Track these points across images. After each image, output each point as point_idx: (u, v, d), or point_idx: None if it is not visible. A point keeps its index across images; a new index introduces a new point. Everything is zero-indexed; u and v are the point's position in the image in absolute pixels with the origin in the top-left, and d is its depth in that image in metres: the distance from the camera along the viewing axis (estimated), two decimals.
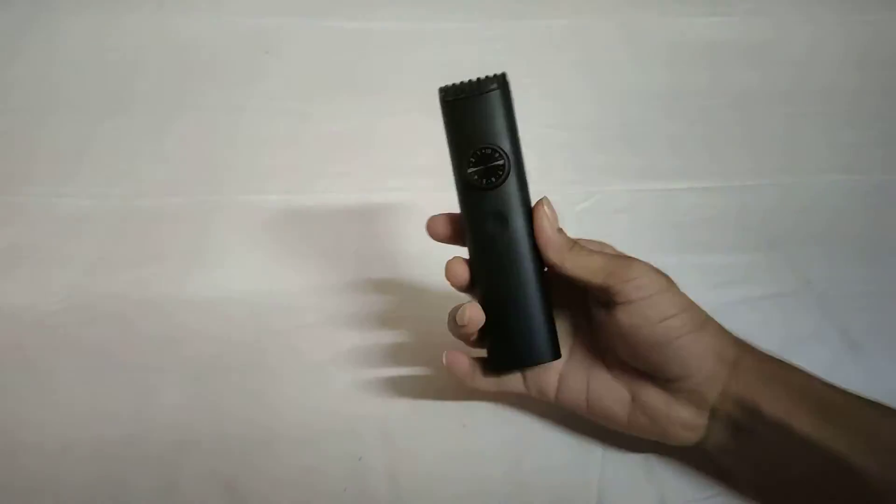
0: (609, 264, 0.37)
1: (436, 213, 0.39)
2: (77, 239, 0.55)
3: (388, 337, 0.47)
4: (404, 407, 0.43)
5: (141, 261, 0.53)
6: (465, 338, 0.39)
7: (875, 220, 0.60)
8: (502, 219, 0.37)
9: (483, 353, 0.39)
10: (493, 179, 0.37)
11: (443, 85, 0.38)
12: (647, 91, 0.75)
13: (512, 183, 0.37)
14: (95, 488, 0.39)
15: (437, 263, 0.41)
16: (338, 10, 0.86)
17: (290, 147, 0.66)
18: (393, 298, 0.50)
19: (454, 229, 0.39)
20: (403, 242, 0.55)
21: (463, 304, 0.38)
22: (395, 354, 0.46)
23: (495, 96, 0.38)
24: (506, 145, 0.37)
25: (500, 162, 0.37)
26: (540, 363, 0.39)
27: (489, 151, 0.37)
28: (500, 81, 0.38)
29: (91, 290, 0.51)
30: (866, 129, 0.70)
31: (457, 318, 0.37)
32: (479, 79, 0.37)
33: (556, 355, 0.38)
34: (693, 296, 0.52)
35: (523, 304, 0.38)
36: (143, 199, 0.59)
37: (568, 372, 0.39)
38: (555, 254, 0.37)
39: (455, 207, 0.39)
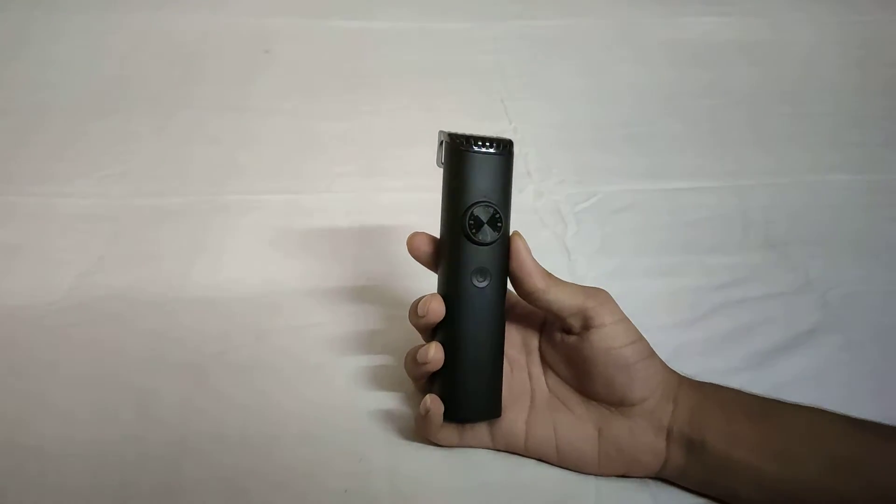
0: (584, 290, 0.39)
1: (418, 231, 0.40)
2: (77, 239, 0.55)
3: (389, 337, 0.47)
4: (406, 408, 0.43)
5: (141, 260, 0.53)
6: (420, 377, 0.40)
7: (876, 219, 0.60)
8: (483, 274, 0.38)
9: None
10: (489, 237, 0.38)
11: (447, 130, 0.39)
12: (647, 91, 0.76)
13: (502, 243, 0.38)
14: (95, 488, 0.39)
15: None
16: (338, 10, 0.86)
17: (290, 147, 0.66)
18: (394, 298, 0.50)
19: (434, 251, 0.40)
20: (403, 242, 0.55)
21: (425, 344, 0.39)
22: (396, 354, 0.46)
23: (505, 160, 0.38)
24: (505, 207, 0.38)
25: (499, 223, 0.38)
26: (489, 419, 0.40)
27: (491, 209, 0.38)
28: (510, 148, 0.39)
29: (91, 289, 0.50)
30: (867, 128, 0.70)
31: (418, 356, 0.39)
32: (491, 138, 0.38)
33: (499, 413, 0.40)
34: (694, 296, 0.52)
35: (486, 359, 0.39)
36: (143, 199, 0.59)
37: (534, 419, 0.40)
38: (540, 281, 0.38)
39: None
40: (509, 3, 0.90)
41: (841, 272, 0.54)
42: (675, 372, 0.40)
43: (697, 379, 0.40)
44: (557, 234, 0.57)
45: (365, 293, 0.51)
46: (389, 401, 0.44)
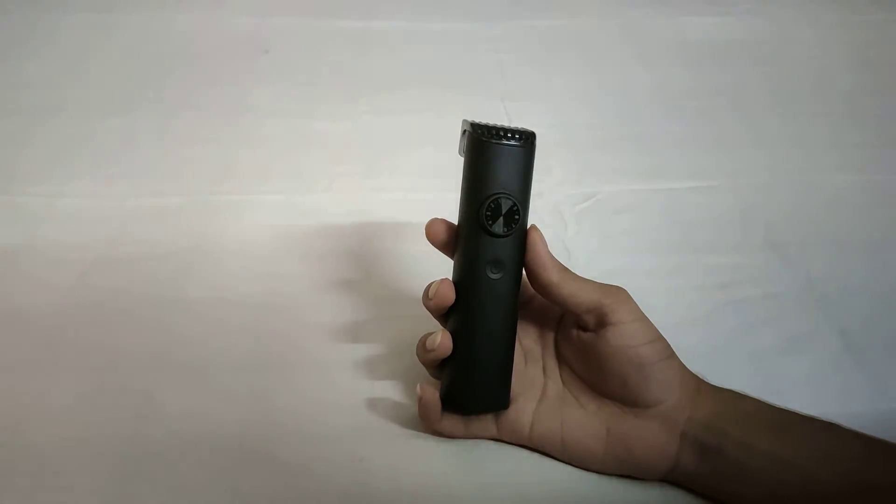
0: (601, 286, 0.39)
1: (437, 217, 0.40)
2: (77, 239, 0.55)
3: (389, 336, 0.47)
4: (406, 407, 0.43)
5: (141, 260, 0.53)
6: (429, 363, 0.40)
7: (876, 219, 0.59)
8: (499, 265, 0.38)
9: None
10: (506, 229, 0.38)
11: (470, 119, 0.39)
12: (647, 90, 0.76)
13: (518, 236, 0.38)
14: (96, 488, 0.39)
15: (437, 262, 0.41)
16: (338, 10, 0.86)
17: (290, 147, 0.66)
18: (394, 298, 0.50)
19: (450, 238, 0.40)
20: (403, 242, 0.55)
21: (436, 331, 0.39)
22: (397, 354, 0.46)
23: (527, 152, 0.38)
24: (523, 200, 0.38)
25: (517, 216, 0.38)
26: (496, 411, 0.40)
27: (509, 202, 0.37)
28: (533, 140, 0.38)
29: (91, 290, 0.50)
30: (867, 128, 0.70)
31: (427, 343, 0.39)
32: (514, 129, 0.38)
33: (507, 405, 0.40)
34: (694, 296, 0.52)
35: (496, 350, 0.39)
36: (143, 199, 0.59)
37: (542, 411, 0.40)
38: (555, 275, 0.38)
39: (452, 213, 0.40)
40: (509, 3, 0.90)
41: (841, 272, 0.54)
42: (694, 375, 0.39)
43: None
44: (557, 234, 0.57)
45: (365, 293, 0.51)
46: (389, 400, 0.44)
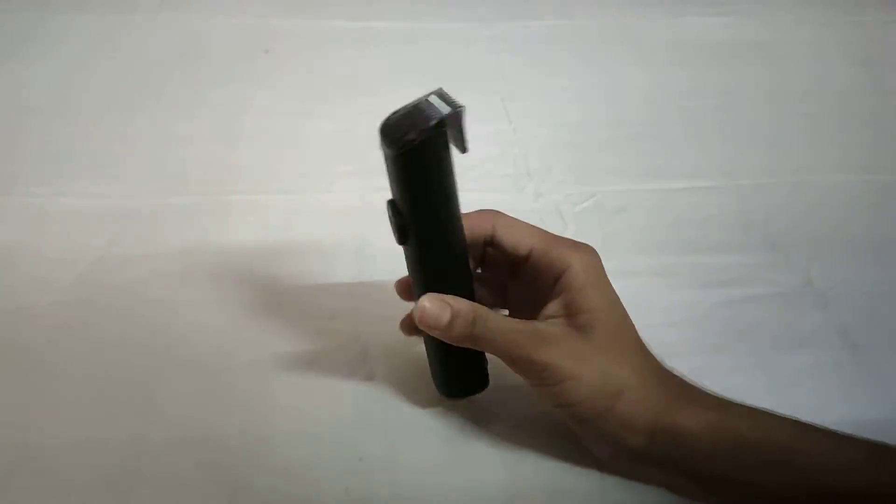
0: (516, 343, 0.36)
1: (400, 279, 0.41)
2: (77, 239, 0.55)
3: (389, 336, 0.47)
4: (406, 407, 0.43)
5: (141, 260, 0.53)
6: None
7: (875, 219, 0.60)
8: (413, 269, 0.38)
9: None
10: (395, 237, 0.36)
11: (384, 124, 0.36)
12: (647, 91, 0.76)
13: (418, 246, 0.36)
14: (95, 488, 0.39)
15: None
16: (338, 10, 0.86)
17: (290, 147, 0.66)
18: (394, 298, 0.50)
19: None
20: None
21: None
22: (397, 353, 0.46)
23: (404, 161, 0.34)
24: (414, 213, 0.35)
25: (405, 229, 0.35)
26: (477, 392, 0.41)
27: (394, 209, 0.35)
28: (409, 145, 0.33)
29: (91, 290, 0.50)
30: (866, 128, 0.70)
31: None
32: (396, 130, 0.33)
33: (486, 384, 0.41)
34: (693, 296, 0.52)
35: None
36: (143, 199, 0.59)
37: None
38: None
39: None
40: (509, 3, 0.90)
41: (841, 272, 0.54)
42: (653, 404, 0.36)
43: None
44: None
45: (366, 293, 0.51)
46: (389, 399, 0.44)
